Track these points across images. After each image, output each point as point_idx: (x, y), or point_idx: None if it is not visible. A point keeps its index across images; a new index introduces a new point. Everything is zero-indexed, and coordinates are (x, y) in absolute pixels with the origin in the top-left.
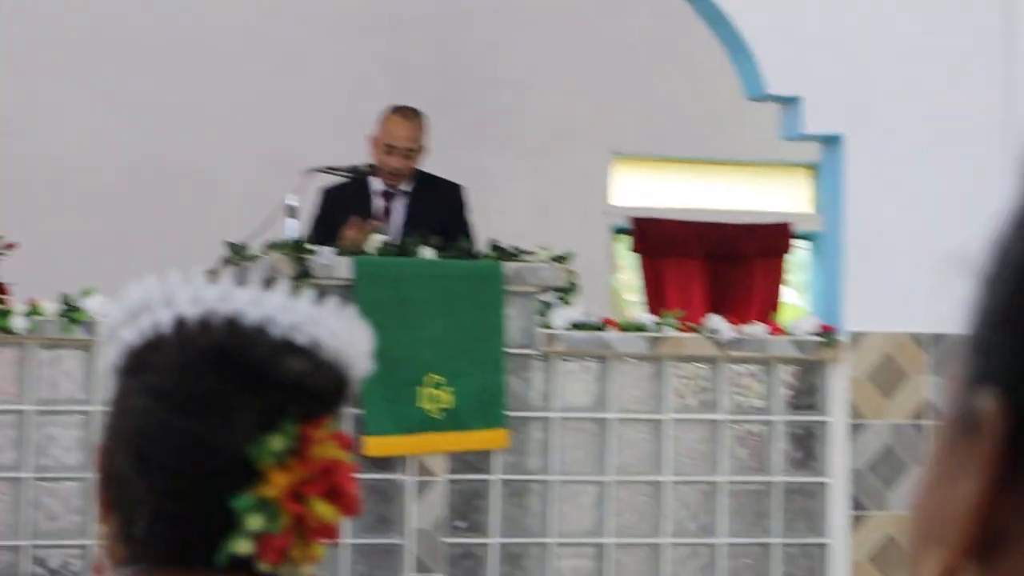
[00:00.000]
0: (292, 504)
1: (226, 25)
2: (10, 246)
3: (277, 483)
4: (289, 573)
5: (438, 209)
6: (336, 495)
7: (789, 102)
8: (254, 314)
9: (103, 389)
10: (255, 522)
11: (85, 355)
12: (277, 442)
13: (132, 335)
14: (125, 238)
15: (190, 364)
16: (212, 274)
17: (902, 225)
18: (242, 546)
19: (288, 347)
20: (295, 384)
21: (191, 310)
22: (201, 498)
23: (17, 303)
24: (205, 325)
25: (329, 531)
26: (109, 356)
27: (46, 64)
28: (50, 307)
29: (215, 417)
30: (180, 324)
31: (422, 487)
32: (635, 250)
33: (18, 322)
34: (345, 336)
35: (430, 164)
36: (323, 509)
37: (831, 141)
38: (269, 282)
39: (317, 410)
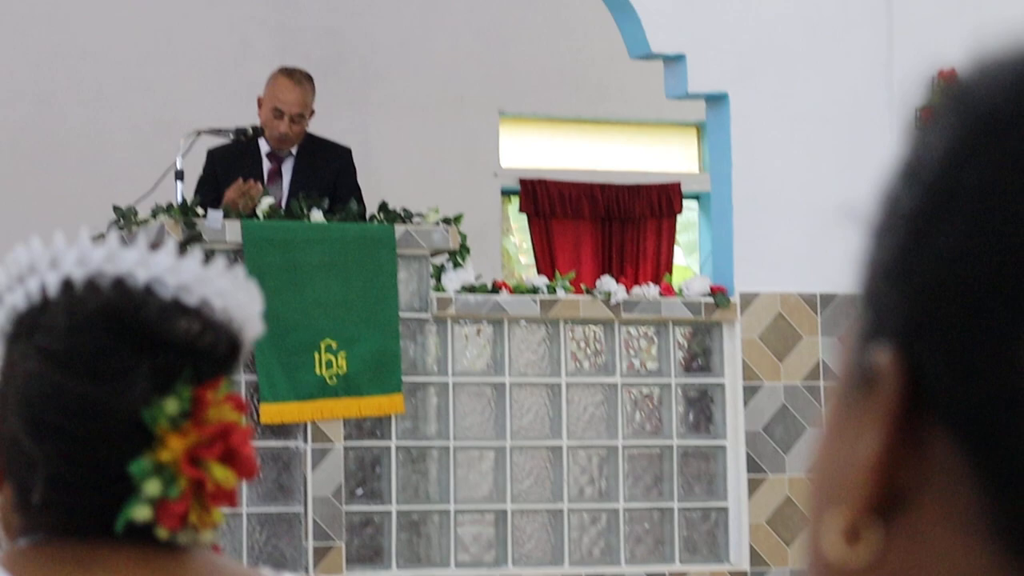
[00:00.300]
0: (189, 468)
1: None
2: None
3: (173, 447)
4: (188, 540)
5: (326, 172)
6: (233, 458)
7: (673, 61)
8: (142, 275)
9: None
10: (152, 487)
11: None
12: (171, 405)
13: (19, 299)
14: (7, 202)
15: (79, 325)
16: (99, 238)
17: (790, 184)
18: (140, 512)
19: (178, 307)
20: (187, 345)
21: (78, 271)
22: (96, 463)
23: None
24: (92, 286)
25: (227, 496)
26: None
27: None
28: None
29: (107, 378)
30: (67, 286)
31: (319, 454)
32: (525, 211)
33: None
34: (235, 296)
35: (316, 126)
36: (221, 473)
37: (716, 100)
38: (156, 246)
39: (210, 371)
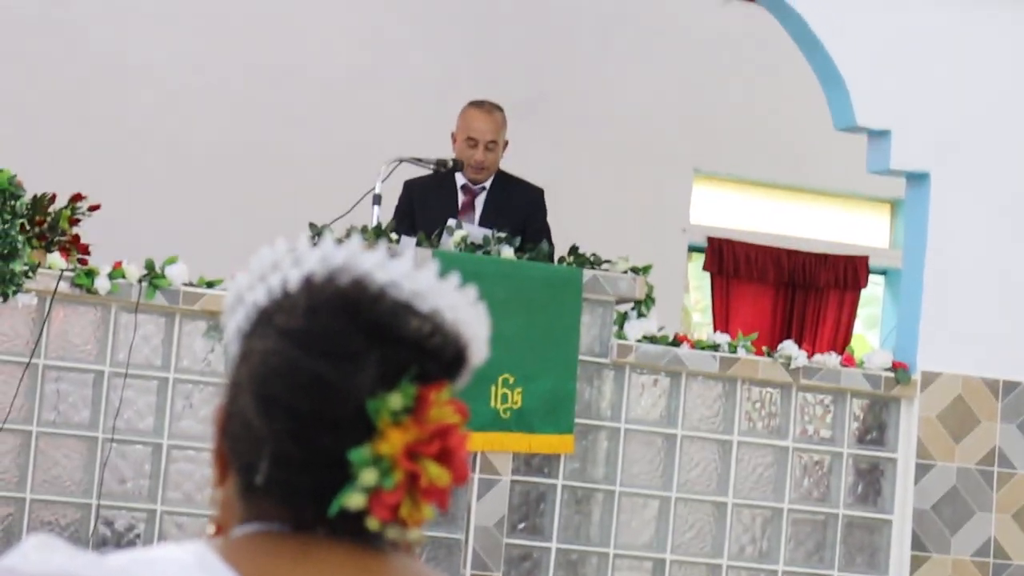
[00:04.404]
0: (406, 462)
1: (318, 7)
2: (94, 208)
3: (393, 440)
4: (397, 535)
5: (518, 209)
6: (448, 458)
7: (878, 135)
8: (380, 276)
9: (189, 357)
10: (369, 476)
11: (164, 321)
12: (396, 400)
13: (260, 295)
14: (206, 209)
15: (319, 307)
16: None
17: (983, 267)
18: (355, 500)
19: (410, 309)
20: (416, 343)
21: (319, 268)
22: (320, 446)
23: (100, 264)
24: (332, 280)
25: (439, 494)
26: (234, 321)
27: (138, 29)
28: (133, 271)
29: (339, 360)
30: (308, 280)
31: (486, 485)
32: (709, 269)
33: (101, 283)
34: (465, 312)
35: (510, 164)
36: (435, 471)
37: (917, 178)
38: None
39: (436, 374)
